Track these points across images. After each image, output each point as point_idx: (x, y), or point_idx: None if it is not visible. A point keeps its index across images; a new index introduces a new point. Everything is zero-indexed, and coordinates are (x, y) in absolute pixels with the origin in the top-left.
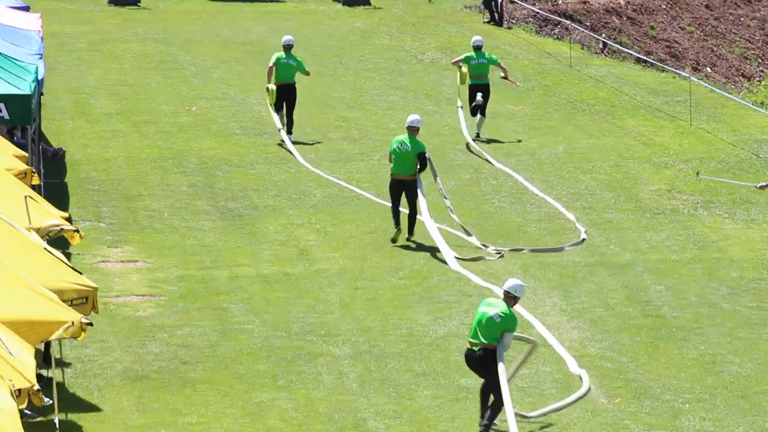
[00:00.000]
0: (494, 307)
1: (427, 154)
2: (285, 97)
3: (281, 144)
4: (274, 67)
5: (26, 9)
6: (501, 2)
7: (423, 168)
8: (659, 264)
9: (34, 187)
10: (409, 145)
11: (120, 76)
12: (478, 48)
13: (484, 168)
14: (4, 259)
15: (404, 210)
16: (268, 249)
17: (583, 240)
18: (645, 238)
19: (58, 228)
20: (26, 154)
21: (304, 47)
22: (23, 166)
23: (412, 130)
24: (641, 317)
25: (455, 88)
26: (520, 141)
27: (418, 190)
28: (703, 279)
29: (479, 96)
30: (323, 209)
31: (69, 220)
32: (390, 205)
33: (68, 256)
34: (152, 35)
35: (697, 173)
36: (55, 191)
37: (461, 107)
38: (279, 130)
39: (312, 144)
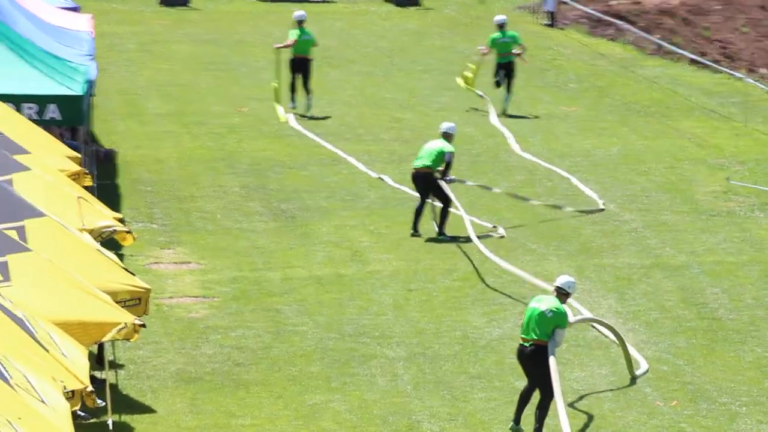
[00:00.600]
0: (545, 302)
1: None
2: (301, 71)
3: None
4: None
5: (77, 10)
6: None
7: (449, 169)
8: (715, 266)
9: (86, 189)
10: (434, 147)
11: (171, 77)
12: (501, 26)
13: (538, 169)
14: (58, 260)
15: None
16: (321, 250)
17: (602, 209)
18: (701, 240)
19: (110, 229)
20: (79, 156)
21: (354, 48)
22: (76, 168)
23: (448, 137)
24: (697, 320)
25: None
26: (569, 144)
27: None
28: (759, 281)
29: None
30: (376, 211)
31: (122, 221)
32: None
33: (121, 257)
34: (202, 36)
35: (727, 178)
36: (108, 192)
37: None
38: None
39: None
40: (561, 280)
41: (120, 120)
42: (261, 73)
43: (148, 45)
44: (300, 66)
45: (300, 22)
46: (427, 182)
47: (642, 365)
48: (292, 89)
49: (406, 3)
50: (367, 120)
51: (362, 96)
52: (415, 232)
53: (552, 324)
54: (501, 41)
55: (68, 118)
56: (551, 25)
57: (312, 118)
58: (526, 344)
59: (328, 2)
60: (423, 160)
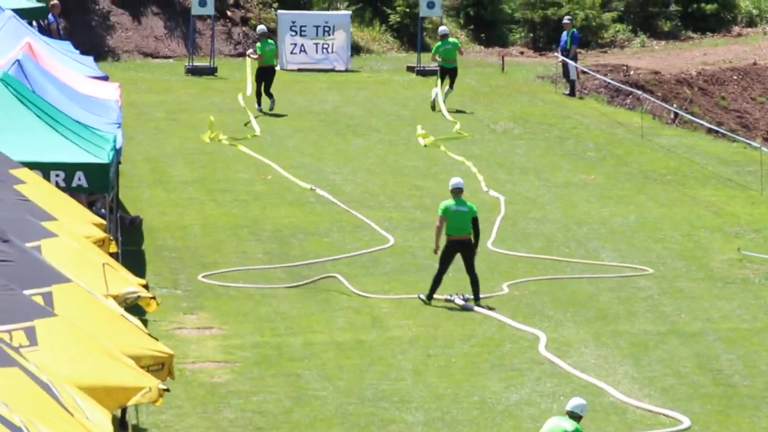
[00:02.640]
0: (567, 422)
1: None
2: (267, 78)
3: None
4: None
5: (105, 79)
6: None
7: (478, 234)
8: (730, 333)
9: (112, 255)
10: (464, 206)
11: (197, 145)
12: (445, 36)
13: (556, 237)
14: (83, 325)
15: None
16: (342, 316)
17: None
18: (716, 306)
19: (135, 295)
20: (104, 222)
21: (378, 116)
22: (101, 234)
23: (459, 192)
24: (712, 386)
25: (528, 156)
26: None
27: None
28: None
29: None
30: (396, 277)
31: (146, 287)
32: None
33: (145, 322)
34: (228, 104)
35: (738, 249)
36: (133, 258)
37: (437, 90)
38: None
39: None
40: (573, 404)
41: (146, 187)
42: (285, 141)
43: (174, 113)
44: (266, 74)
45: (263, 35)
46: (468, 249)
47: (684, 422)
48: (258, 95)
49: (428, 73)
50: (389, 187)
51: (384, 164)
52: (428, 301)
53: None
54: (443, 49)
55: (95, 186)
56: (571, 95)
57: (334, 184)
58: None
59: (352, 71)
60: (462, 228)
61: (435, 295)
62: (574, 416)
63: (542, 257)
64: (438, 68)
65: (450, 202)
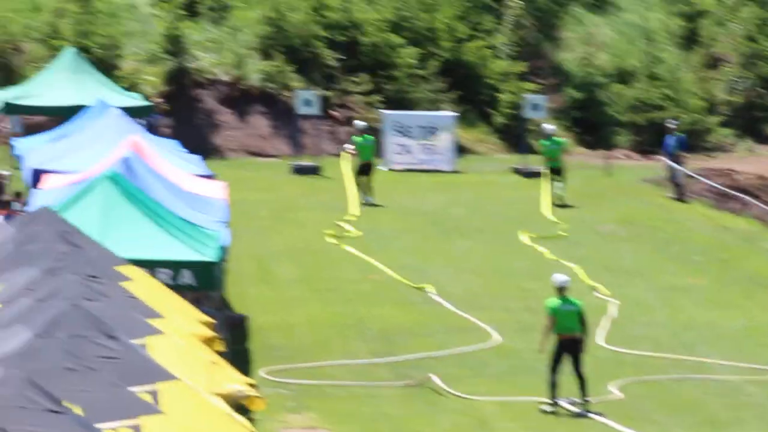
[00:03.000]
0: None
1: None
2: (367, 173)
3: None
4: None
5: (212, 177)
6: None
7: (586, 330)
8: None
9: (219, 353)
10: (571, 305)
11: (302, 244)
12: (550, 135)
13: (663, 340)
14: (190, 423)
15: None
16: (447, 418)
17: None
18: None
19: (242, 394)
20: (211, 320)
21: (482, 217)
22: (208, 333)
23: (564, 290)
24: None
25: (634, 259)
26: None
27: None
28: None
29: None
30: (505, 379)
31: (253, 386)
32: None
33: (252, 421)
34: (333, 203)
35: None
36: (240, 357)
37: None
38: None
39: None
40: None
41: (252, 285)
42: (391, 241)
43: (280, 212)
44: (364, 170)
45: (362, 130)
46: (578, 346)
47: None
48: (360, 186)
49: (533, 174)
50: (495, 288)
51: (489, 264)
52: (554, 407)
53: None
54: (550, 148)
55: (202, 284)
56: (677, 198)
57: (439, 285)
58: None
59: (457, 172)
60: (571, 326)
61: (545, 399)
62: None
63: (652, 354)
64: (545, 167)
65: (557, 300)
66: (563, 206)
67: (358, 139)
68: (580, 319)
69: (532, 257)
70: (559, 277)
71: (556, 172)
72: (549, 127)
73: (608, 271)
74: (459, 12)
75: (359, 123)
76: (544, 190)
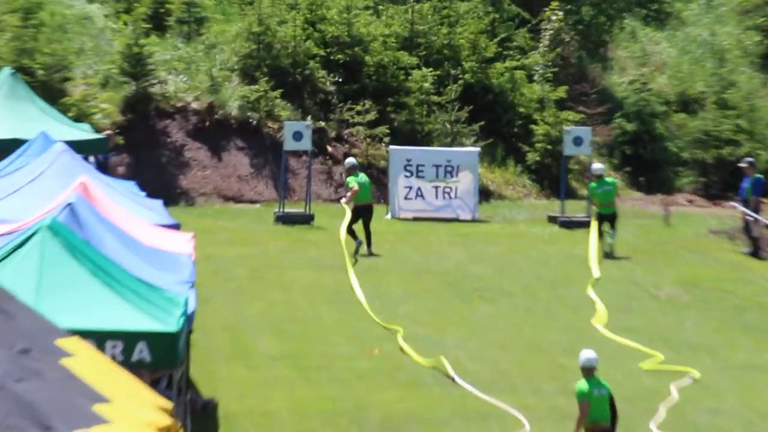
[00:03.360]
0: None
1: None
2: (367, 216)
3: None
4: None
5: (176, 227)
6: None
7: (616, 417)
8: None
9: None
10: (602, 388)
11: (287, 311)
12: (600, 176)
13: (733, 430)
14: None
15: None
16: None
17: None
18: None
19: None
20: (171, 405)
21: (511, 278)
22: (167, 421)
23: (591, 371)
24: None
25: (699, 331)
26: None
27: None
28: None
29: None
30: None
31: None
32: None
33: None
34: (327, 261)
35: None
36: None
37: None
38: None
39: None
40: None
41: (223, 363)
42: (397, 306)
43: (261, 271)
44: (363, 213)
45: (353, 168)
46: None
47: None
48: (353, 233)
49: (574, 224)
50: (525, 367)
51: (519, 337)
52: None
53: None
54: (600, 191)
55: (161, 360)
56: (753, 254)
57: (457, 361)
58: None
59: (480, 221)
60: (605, 415)
61: None
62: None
63: None
64: (594, 215)
65: (586, 384)
66: (612, 257)
67: (351, 179)
68: (612, 405)
69: (573, 328)
70: (587, 354)
71: (608, 219)
72: (597, 166)
73: (667, 344)
74: (485, 26)
75: (350, 160)
76: (592, 241)
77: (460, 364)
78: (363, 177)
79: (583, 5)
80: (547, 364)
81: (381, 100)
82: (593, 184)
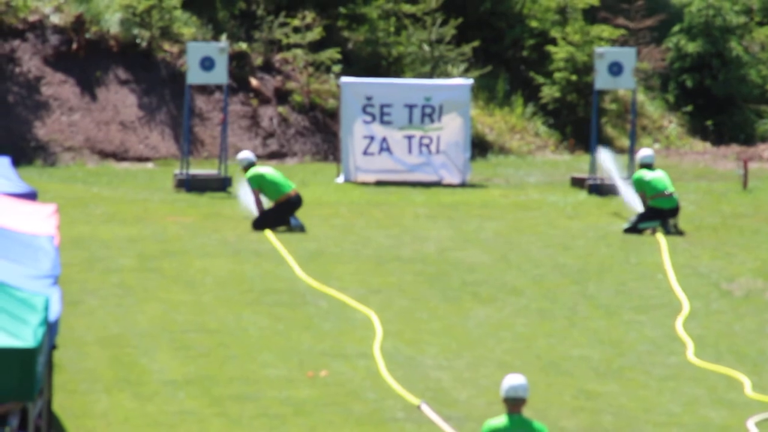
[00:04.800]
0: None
1: None
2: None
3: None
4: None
5: (31, 197)
6: None
7: None
8: None
9: None
10: (528, 428)
11: (194, 317)
12: (649, 164)
13: None
14: None
15: None
16: None
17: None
18: None
19: None
20: None
21: (518, 268)
22: None
23: (515, 405)
24: None
25: None
26: None
27: None
28: None
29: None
30: None
31: None
32: None
33: None
34: (252, 244)
35: None
36: None
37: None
38: None
39: None
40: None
41: (102, 392)
42: (353, 312)
43: (155, 260)
44: (289, 208)
45: (249, 165)
46: None
47: None
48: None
49: (607, 191)
50: (540, 393)
51: (530, 352)
52: None
53: None
54: (652, 178)
55: (9, 389)
56: None
57: (439, 389)
58: None
59: (473, 186)
60: None
61: None
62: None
63: None
64: (646, 210)
65: (504, 422)
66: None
67: (252, 177)
68: None
69: (605, 340)
70: (512, 380)
71: (670, 215)
72: (646, 152)
73: (743, 360)
74: None
75: (245, 155)
76: (665, 255)
77: (443, 391)
78: (264, 170)
79: None
80: (570, 389)
81: (329, 10)
82: (639, 176)
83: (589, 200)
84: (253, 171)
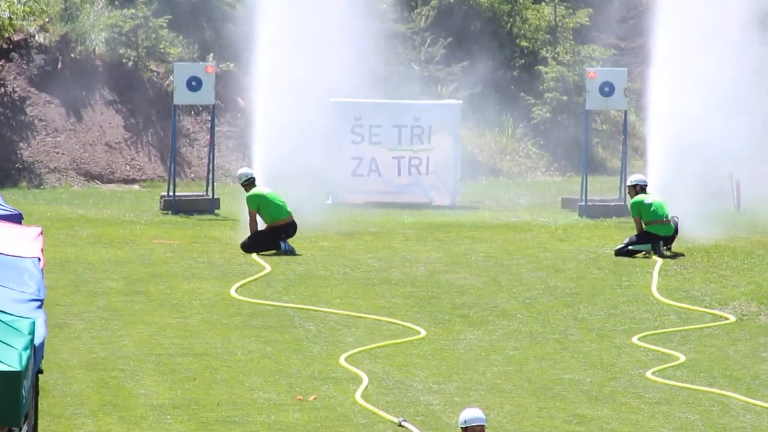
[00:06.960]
0: None
1: None
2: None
3: None
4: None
5: (16, 219)
6: None
7: None
8: None
9: None
10: None
11: (181, 341)
12: (642, 187)
13: None
14: None
15: None
16: None
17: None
18: None
19: None
20: None
21: (509, 291)
22: None
23: None
24: None
25: None
26: None
27: None
28: None
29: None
30: None
31: None
32: None
33: None
34: (239, 267)
35: None
36: None
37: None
38: None
39: None
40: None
41: (88, 416)
42: (341, 333)
43: (141, 283)
44: (283, 232)
45: (249, 182)
46: None
47: None
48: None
49: (598, 212)
50: (531, 417)
51: (520, 376)
52: None
53: None
54: (648, 203)
55: None
56: None
57: (429, 412)
58: None
59: (463, 208)
60: None
61: None
62: None
63: None
64: (641, 234)
65: None
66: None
67: (252, 197)
68: None
69: (597, 363)
70: (469, 414)
71: (668, 241)
72: (638, 177)
73: (737, 386)
74: None
75: (243, 171)
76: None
77: (434, 415)
78: (267, 191)
79: None
80: (562, 413)
81: None
82: (637, 200)
83: (580, 223)
84: (254, 191)
